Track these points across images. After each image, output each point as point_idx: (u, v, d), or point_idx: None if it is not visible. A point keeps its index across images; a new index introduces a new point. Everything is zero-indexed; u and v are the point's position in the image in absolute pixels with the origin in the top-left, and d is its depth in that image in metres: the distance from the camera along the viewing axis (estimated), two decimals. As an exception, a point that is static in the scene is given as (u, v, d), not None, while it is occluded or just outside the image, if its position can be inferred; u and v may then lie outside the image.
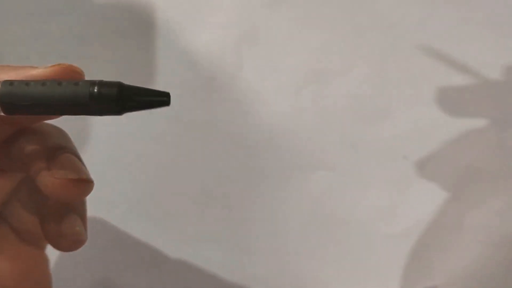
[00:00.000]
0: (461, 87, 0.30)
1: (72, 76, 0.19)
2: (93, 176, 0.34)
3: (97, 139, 0.32)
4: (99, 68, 0.32)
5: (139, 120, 0.32)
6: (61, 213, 0.22)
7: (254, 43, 0.31)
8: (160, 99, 0.18)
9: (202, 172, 0.32)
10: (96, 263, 0.33)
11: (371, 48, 0.30)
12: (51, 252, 0.31)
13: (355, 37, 0.30)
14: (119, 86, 0.17)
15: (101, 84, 0.17)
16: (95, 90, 0.17)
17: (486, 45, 0.29)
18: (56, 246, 0.23)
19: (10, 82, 0.18)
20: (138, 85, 0.18)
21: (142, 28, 0.32)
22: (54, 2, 0.32)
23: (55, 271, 0.32)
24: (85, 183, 0.21)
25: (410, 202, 0.31)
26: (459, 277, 0.30)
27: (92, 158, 0.32)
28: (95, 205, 0.33)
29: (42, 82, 0.18)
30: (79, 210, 0.23)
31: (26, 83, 0.18)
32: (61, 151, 0.21)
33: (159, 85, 0.32)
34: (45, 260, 0.25)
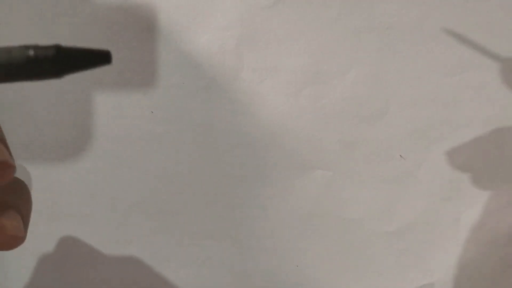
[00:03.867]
0: (458, 87, 0.30)
1: None
2: (94, 175, 0.34)
3: (99, 138, 0.32)
4: (100, 69, 0.32)
5: (140, 120, 0.32)
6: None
7: (254, 45, 0.31)
8: (99, 57, 0.18)
9: (202, 172, 0.32)
10: (97, 261, 0.33)
11: (369, 49, 0.31)
12: (56, 250, 0.31)
13: (353, 38, 0.31)
14: (57, 47, 0.17)
15: (37, 47, 0.17)
16: (32, 53, 0.17)
17: (484, 46, 0.29)
18: None
19: None
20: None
21: (144, 29, 0.32)
22: (58, 4, 0.32)
23: (56, 270, 0.33)
24: (5, 166, 0.19)
25: (407, 201, 0.31)
26: (456, 275, 0.30)
27: (93, 158, 0.32)
28: (96, 204, 0.33)
29: None
30: (19, 207, 0.22)
31: None
32: None
33: (160, 86, 0.32)
34: None
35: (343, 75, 0.31)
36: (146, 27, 0.32)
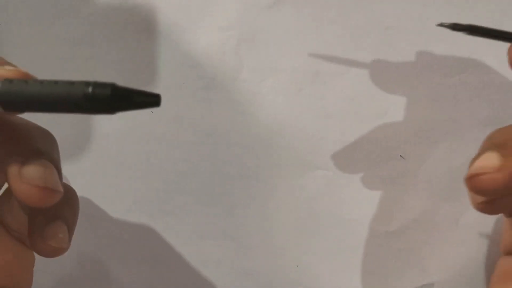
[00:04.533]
0: (457, 87, 0.30)
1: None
2: (95, 174, 0.34)
3: (99, 138, 0.32)
4: (101, 70, 0.32)
5: (140, 120, 0.32)
6: (48, 218, 0.22)
7: (254, 45, 0.31)
8: (150, 99, 0.18)
9: (202, 172, 0.32)
10: (97, 260, 0.33)
11: (368, 49, 0.31)
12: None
13: (353, 38, 0.31)
14: (112, 87, 0.18)
15: (95, 84, 0.18)
16: (90, 91, 0.18)
17: (483, 46, 0.29)
18: (36, 249, 0.22)
19: (10, 80, 0.19)
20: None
21: (144, 30, 0.32)
22: (58, 5, 0.32)
23: (56, 269, 0.33)
24: (49, 192, 0.20)
25: (407, 201, 0.31)
26: (456, 275, 0.30)
27: (94, 157, 0.32)
28: (97, 203, 0.33)
29: (40, 81, 0.18)
30: (68, 219, 0.23)
31: (25, 81, 0.18)
32: (38, 157, 0.21)
33: (160, 86, 0.32)
34: (30, 260, 0.25)
35: (343, 75, 0.31)
36: (146, 27, 0.32)
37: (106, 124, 0.32)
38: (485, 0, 0.30)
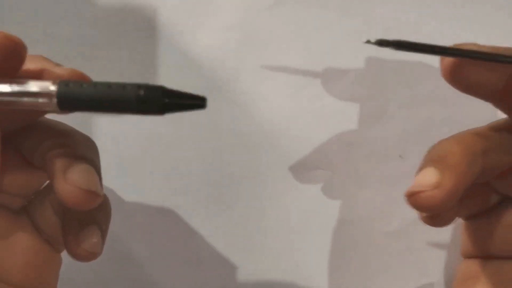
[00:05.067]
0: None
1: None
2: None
3: (99, 138, 0.33)
4: (102, 70, 0.32)
5: (140, 120, 0.32)
6: (82, 222, 0.23)
7: (254, 45, 0.31)
8: (197, 102, 0.19)
9: (202, 172, 0.32)
10: (96, 261, 0.33)
11: (369, 49, 0.31)
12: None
13: (352, 39, 0.31)
14: (163, 89, 0.19)
15: (147, 87, 0.19)
16: (142, 93, 0.19)
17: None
18: (71, 253, 0.23)
19: (66, 83, 0.20)
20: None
21: (145, 31, 0.32)
22: (58, 4, 0.32)
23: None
24: (92, 195, 0.21)
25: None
26: (455, 275, 0.30)
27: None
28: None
29: (94, 83, 0.19)
30: (101, 223, 0.24)
31: (80, 84, 0.19)
32: (83, 161, 0.22)
33: (160, 86, 0.32)
34: (57, 263, 0.25)
35: (343, 75, 0.31)
36: (146, 27, 0.32)
37: (106, 124, 0.32)
38: (484, 1, 0.30)
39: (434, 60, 0.30)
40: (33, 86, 0.19)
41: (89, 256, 0.23)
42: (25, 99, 0.19)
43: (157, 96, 0.19)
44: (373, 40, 0.20)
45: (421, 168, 0.22)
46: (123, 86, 0.19)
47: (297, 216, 0.32)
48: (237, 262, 0.32)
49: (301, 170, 0.31)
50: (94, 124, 0.32)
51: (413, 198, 0.21)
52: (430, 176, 0.21)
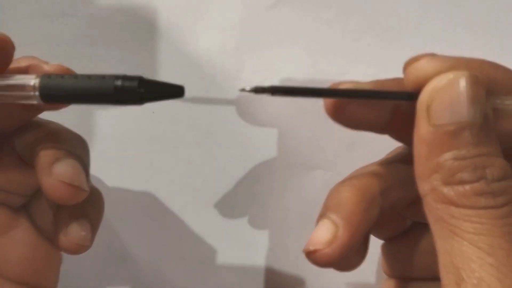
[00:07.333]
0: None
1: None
2: (95, 173, 0.34)
3: (99, 138, 0.32)
4: (101, 70, 0.32)
5: (140, 120, 0.32)
6: (72, 216, 0.23)
7: (254, 45, 0.31)
8: (175, 90, 0.20)
9: (202, 172, 0.32)
10: (97, 259, 0.33)
11: (368, 50, 0.31)
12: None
13: (352, 40, 0.31)
14: (140, 79, 0.20)
15: (124, 78, 0.19)
16: (119, 83, 0.19)
17: (483, 48, 0.29)
18: (59, 245, 0.23)
19: (48, 76, 0.20)
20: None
21: (144, 30, 0.32)
22: (58, 4, 0.32)
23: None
24: (76, 190, 0.21)
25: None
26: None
27: (93, 158, 0.32)
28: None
29: (74, 75, 0.20)
30: (92, 218, 0.24)
31: (62, 76, 0.20)
32: (68, 157, 0.22)
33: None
34: (57, 260, 0.26)
35: (343, 75, 0.31)
36: (146, 27, 0.32)
37: (106, 124, 0.32)
38: (485, 0, 0.30)
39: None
40: (17, 79, 0.20)
41: (77, 248, 0.23)
42: (9, 92, 0.20)
43: (134, 86, 0.19)
44: (248, 88, 0.20)
45: (319, 218, 0.22)
46: (102, 77, 0.20)
47: (297, 216, 0.32)
48: (237, 262, 0.32)
49: (301, 170, 0.31)
50: (94, 124, 0.32)
51: (311, 257, 0.21)
52: (325, 232, 0.21)
